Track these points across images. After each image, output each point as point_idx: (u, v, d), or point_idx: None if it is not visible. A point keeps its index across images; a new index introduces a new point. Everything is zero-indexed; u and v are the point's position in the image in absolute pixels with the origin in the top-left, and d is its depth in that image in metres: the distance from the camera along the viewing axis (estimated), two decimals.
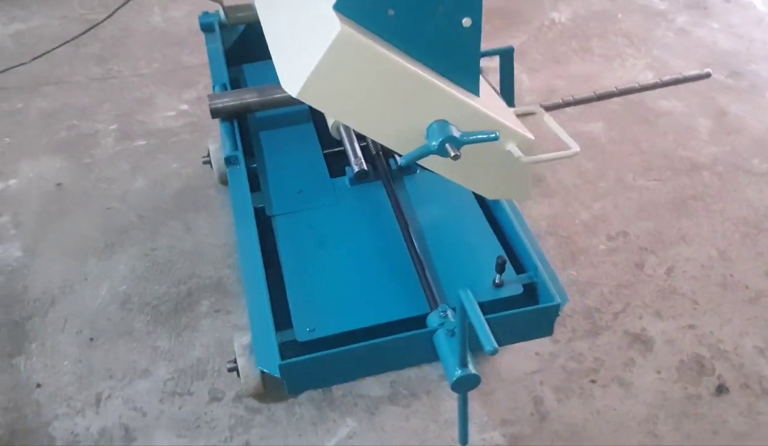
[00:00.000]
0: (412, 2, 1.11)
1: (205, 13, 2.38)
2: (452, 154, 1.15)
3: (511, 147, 1.25)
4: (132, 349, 2.21)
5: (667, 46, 3.51)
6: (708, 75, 2.20)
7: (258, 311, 1.42)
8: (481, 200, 1.70)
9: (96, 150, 3.05)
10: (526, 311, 1.42)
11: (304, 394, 2.02)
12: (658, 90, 3.09)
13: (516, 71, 3.39)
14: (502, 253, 1.48)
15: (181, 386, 2.09)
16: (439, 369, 1.96)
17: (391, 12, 1.10)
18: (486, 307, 1.37)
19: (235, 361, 1.85)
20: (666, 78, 2.15)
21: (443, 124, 1.15)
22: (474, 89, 1.22)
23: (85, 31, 3.57)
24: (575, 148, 1.38)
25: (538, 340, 2.10)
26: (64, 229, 2.67)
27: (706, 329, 2.16)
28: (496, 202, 1.65)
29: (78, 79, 3.51)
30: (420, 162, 1.23)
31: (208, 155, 2.72)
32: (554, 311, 1.42)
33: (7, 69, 3.54)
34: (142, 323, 2.29)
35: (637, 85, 2.15)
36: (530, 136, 1.28)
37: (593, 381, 2.04)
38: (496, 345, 1.10)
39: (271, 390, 1.98)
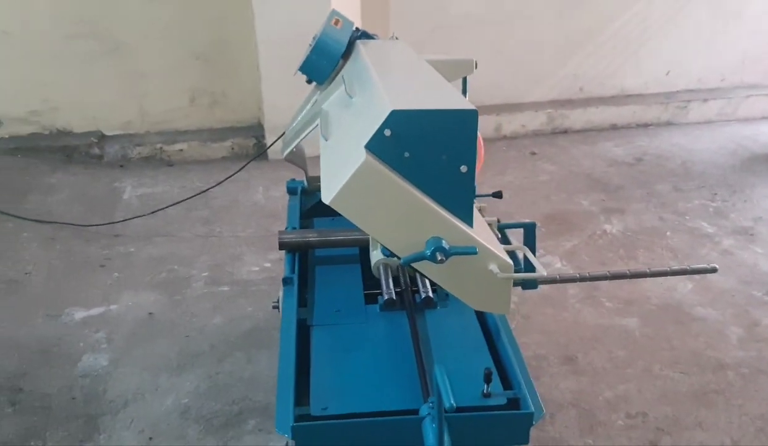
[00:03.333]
0: (422, 150, 1.52)
1: (292, 180, 2.91)
2: (439, 258, 1.50)
3: (493, 266, 1.58)
4: None
5: (710, 263, 3.75)
6: (714, 270, 2.41)
7: (284, 387, 1.72)
8: (484, 331, 1.99)
9: (187, 290, 3.53)
10: (503, 414, 1.65)
11: None
12: (697, 298, 3.36)
13: (566, 269, 3.74)
14: (492, 367, 1.74)
15: None
16: None
17: (407, 154, 1.53)
18: (473, 411, 1.65)
19: None
20: (675, 267, 2.38)
21: (437, 238, 1.52)
22: (468, 220, 1.58)
23: (195, 195, 4.25)
24: (543, 272, 1.70)
25: None
26: (146, 349, 3.08)
27: None
28: (497, 333, 1.94)
29: (184, 235, 4.11)
30: (416, 266, 1.57)
31: (278, 301, 3.11)
32: (528, 419, 1.64)
33: (129, 219, 4.23)
34: (195, 431, 2.59)
35: (647, 270, 2.40)
36: (509, 261, 1.61)
37: None
38: (453, 403, 1.35)
39: None
